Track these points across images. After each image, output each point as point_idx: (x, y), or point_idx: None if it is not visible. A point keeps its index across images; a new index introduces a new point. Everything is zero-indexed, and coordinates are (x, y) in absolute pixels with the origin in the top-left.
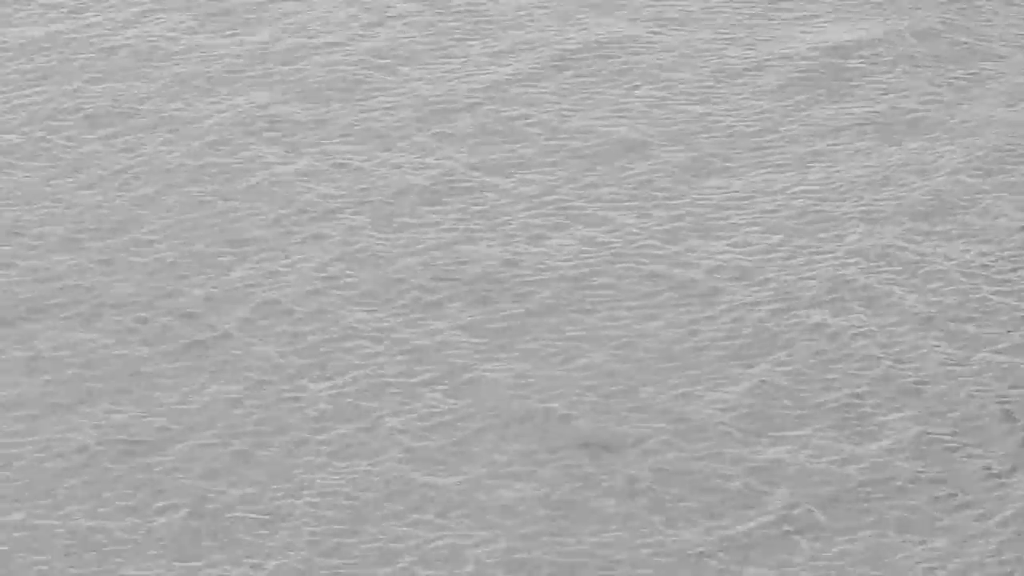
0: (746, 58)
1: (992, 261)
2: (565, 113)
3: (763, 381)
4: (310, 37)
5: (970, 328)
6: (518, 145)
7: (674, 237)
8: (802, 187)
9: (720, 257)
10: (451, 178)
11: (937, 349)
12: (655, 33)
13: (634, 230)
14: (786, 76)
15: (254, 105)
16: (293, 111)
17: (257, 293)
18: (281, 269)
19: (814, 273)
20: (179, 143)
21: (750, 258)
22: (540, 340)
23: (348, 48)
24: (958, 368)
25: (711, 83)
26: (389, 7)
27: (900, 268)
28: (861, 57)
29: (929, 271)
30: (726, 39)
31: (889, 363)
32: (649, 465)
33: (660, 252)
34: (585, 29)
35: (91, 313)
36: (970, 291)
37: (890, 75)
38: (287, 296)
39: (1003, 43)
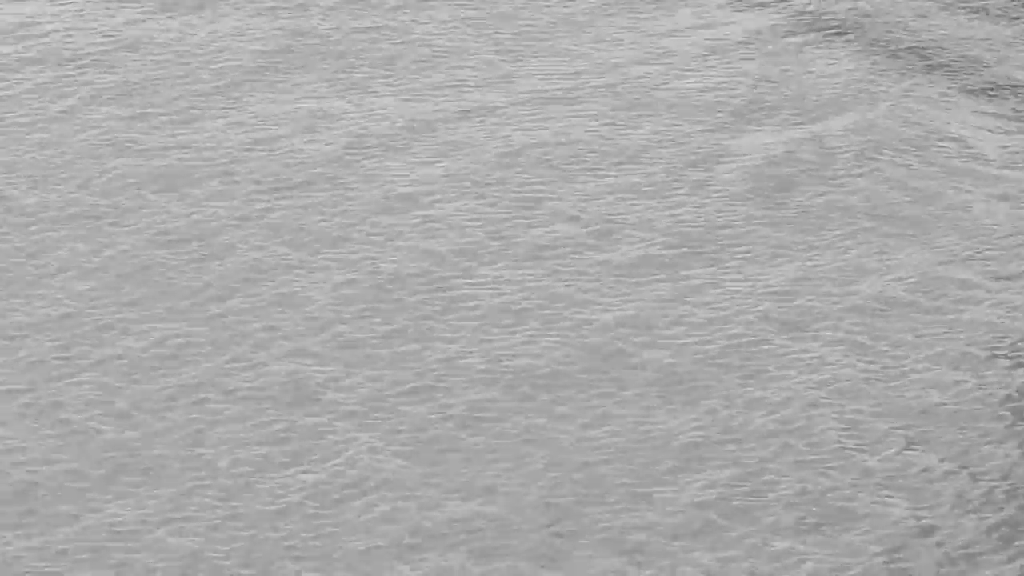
0: (714, 151)
1: (968, 351)
2: (525, 205)
3: (740, 475)
4: (261, 132)
5: (943, 419)
6: (483, 238)
7: (642, 330)
8: (772, 281)
9: (688, 349)
10: (415, 272)
11: (914, 443)
12: (616, 127)
13: (602, 322)
14: (756, 169)
15: (219, 200)
16: (249, 204)
17: (222, 384)
18: (244, 363)
19: (784, 369)
20: (138, 237)
21: (718, 351)
22: (503, 433)
23: (307, 144)
24: (934, 461)
25: (678, 177)
26: (346, 103)
27: (872, 360)
28: (829, 151)
29: (901, 365)
30: (693, 132)
31: (861, 456)
32: (615, 564)
33: (628, 344)
34: (543, 125)
35: (53, 400)
36: (946, 385)
37: (860, 169)
38: (253, 389)
39: (980, 136)
